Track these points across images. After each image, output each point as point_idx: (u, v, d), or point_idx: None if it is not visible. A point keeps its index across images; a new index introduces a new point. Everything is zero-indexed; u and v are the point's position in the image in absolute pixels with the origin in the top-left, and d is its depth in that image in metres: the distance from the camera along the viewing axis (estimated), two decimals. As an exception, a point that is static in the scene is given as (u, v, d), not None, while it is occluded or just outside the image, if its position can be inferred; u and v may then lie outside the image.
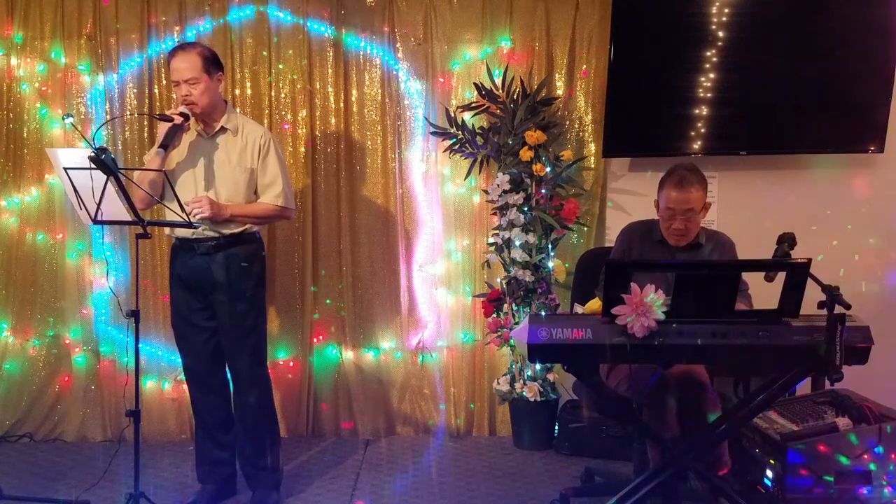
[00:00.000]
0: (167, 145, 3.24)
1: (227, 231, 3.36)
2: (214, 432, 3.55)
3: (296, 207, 3.69)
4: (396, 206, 4.39)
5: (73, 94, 4.31)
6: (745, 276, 3.05)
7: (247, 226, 3.40)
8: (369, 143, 4.39)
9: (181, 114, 3.26)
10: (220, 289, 3.37)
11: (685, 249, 3.24)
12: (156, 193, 3.34)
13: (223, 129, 3.41)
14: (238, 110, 3.79)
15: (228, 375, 3.56)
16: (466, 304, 4.46)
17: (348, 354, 4.45)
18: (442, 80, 4.37)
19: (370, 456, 4.16)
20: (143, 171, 3.33)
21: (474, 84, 4.29)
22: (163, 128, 3.26)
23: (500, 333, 4.22)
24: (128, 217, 3.10)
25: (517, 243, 4.14)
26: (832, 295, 2.53)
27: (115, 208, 3.04)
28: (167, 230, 3.45)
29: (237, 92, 4.28)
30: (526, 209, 4.17)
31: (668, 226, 3.19)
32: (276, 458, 3.57)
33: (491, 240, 4.33)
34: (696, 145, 4.21)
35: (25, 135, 4.33)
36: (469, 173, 4.29)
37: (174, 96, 3.52)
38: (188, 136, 3.41)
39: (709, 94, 4.14)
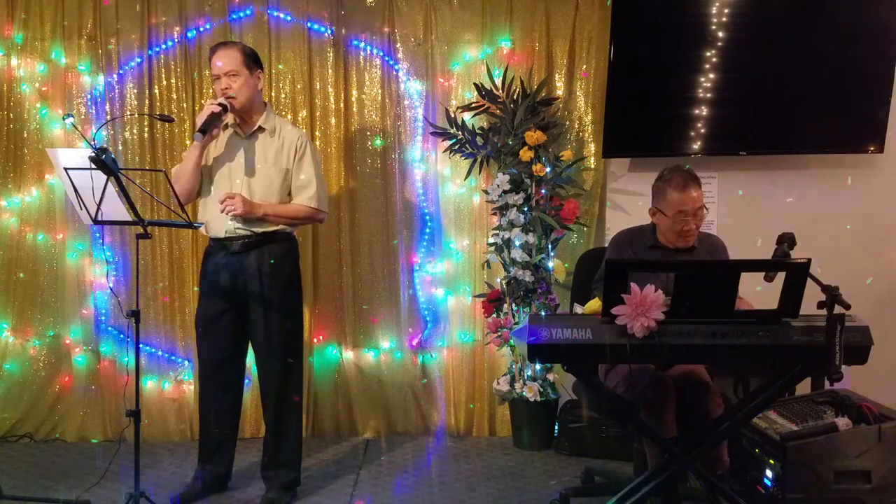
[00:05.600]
0: (205, 130, 3.26)
1: (258, 229, 3.38)
2: (217, 443, 3.57)
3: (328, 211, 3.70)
4: (396, 206, 4.39)
5: (73, 95, 4.31)
6: (745, 276, 3.04)
7: (279, 225, 3.42)
8: (369, 143, 4.39)
9: (220, 104, 3.29)
10: (252, 287, 3.39)
11: (679, 253, 3.23)
12: (199, 182, 3.41)
13: (260, 129, 3.43)
14: (276, 112, 3.79)
15: (246, 383, 3.59)
16: (466, 304, 4.46)
17: (348, 354, 4.45)
18: (442, 80, 4.37)
19: (370, 456, 4.16)
20: (184, 162, 3.42)
21: (474, 84, 4.29)
22: (202, 114, 3.28)
23: (500, 333, 4.22)
24: (128, 217, 3.10)
25: (517, 243, 4.14)
26: (832, 295, 2.53)
27: (115, 208, 3.04)
28: (202, 231, 3.47)
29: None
30: (526, 209, 4.17)
31: (680, 228, 3.15)
32: (297, 459, 3.58)
33: (491, 240, 4.33)
34: (696, 145, 4.21)
35: (26, 135, 4.32)
36: (469, 173, 4.29)
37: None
38: (225, 134, 3.44)
39: (709, 95, 4.15)
